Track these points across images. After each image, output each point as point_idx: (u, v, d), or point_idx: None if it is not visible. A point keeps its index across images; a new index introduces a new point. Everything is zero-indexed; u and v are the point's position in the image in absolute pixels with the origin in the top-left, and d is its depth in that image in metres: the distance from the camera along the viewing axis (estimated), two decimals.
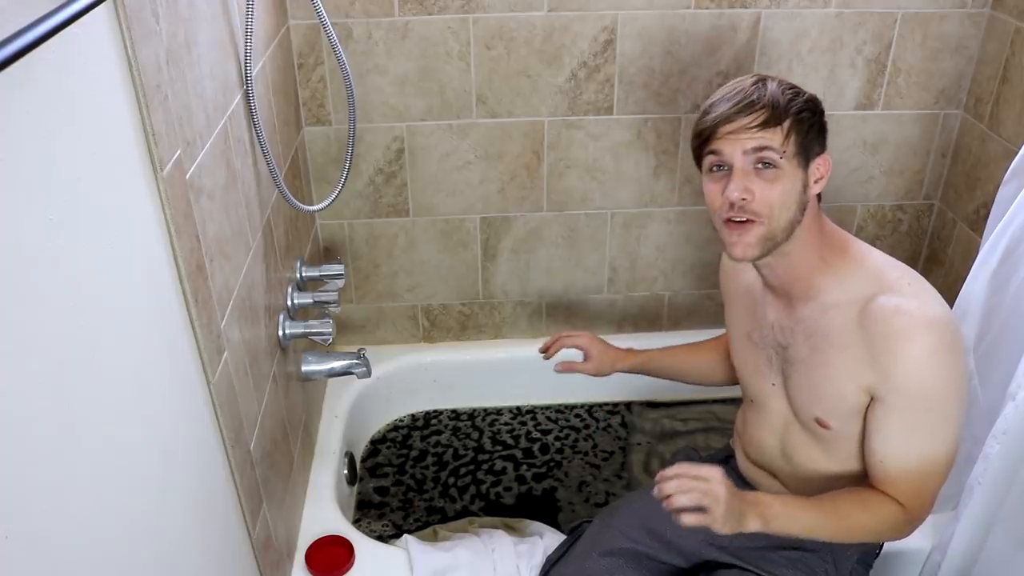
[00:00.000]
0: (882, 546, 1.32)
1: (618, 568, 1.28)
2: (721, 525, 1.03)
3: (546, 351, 1.54)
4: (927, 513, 1.13)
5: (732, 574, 1.25)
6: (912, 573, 1.45)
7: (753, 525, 1.06)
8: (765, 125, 1.02)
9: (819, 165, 1.08)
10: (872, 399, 1.09)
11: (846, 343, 1.09)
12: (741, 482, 1.38)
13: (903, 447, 1.08)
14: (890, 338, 1.04)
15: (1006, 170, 1.35)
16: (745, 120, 1.03)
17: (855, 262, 1.12)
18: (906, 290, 1.06)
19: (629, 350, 1.55)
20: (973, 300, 1.40)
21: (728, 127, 1.04)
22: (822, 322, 1.12)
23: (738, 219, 1.05)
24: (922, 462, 1.08)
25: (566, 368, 1.53)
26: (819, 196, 1.11)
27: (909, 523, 1.12)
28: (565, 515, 1.80)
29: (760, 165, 1.04)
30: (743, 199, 1.03)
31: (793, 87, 1.08)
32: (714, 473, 1.04)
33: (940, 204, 1.95)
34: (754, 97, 1.03)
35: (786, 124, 1.03)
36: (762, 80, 1.06)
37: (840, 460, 1.19)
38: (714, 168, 1.08)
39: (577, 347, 1.53)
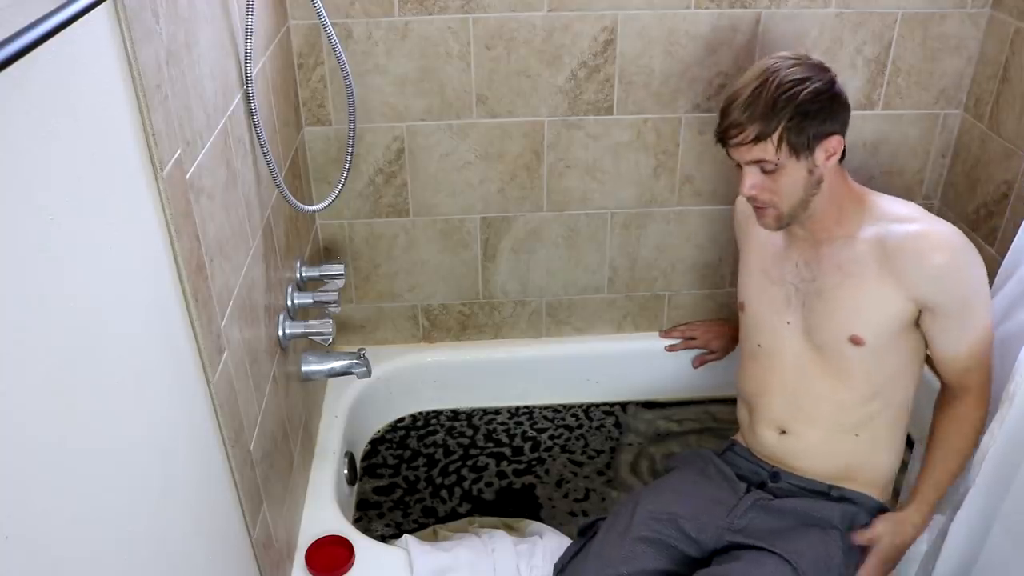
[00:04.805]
0: None
1: (641, 554, 1.31)
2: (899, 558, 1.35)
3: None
4: (992, 382, 1.31)
5: (750, 555, 1.28)
6: (911, 573, 1.45)
7: (915, 533, 1.32)
8: (756, 140, 1.19)
9: (826, 146, 1.21)
10: (921, 311, 1.25)
11: (880, 268, 1.25)
12: (751, 457, 1.45)
13: (967, 338, 1.25)
14: (920, 256, 1.21)
15: (1006, 170, 1.36)
16: (740, 138, 1.20)
17: (872, 205, 1.29)
18: (918, 217, 1.25)
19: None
20: None
21: (729, 141, 1.23)
22: (849, 252, 1.28)
23: (756, 204, 1.27)
24: (983, 341, 1.27)
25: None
26: (843, 157, 1.25)
27: (987, 399, 1.30)
28: (547, 511, 1.80)
29: (762, 168, 1.22)
30: (751, 194, 1.25)
31: (796, 81, 1.17)
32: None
33: (940, 204, 1.95)
34: (744, 117, 1.18)
35: (775, 135, 1.18)
36: (764, 81, 1.18)
37: (855, 384, 1.31)
38: (736, 163, 1.27)
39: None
